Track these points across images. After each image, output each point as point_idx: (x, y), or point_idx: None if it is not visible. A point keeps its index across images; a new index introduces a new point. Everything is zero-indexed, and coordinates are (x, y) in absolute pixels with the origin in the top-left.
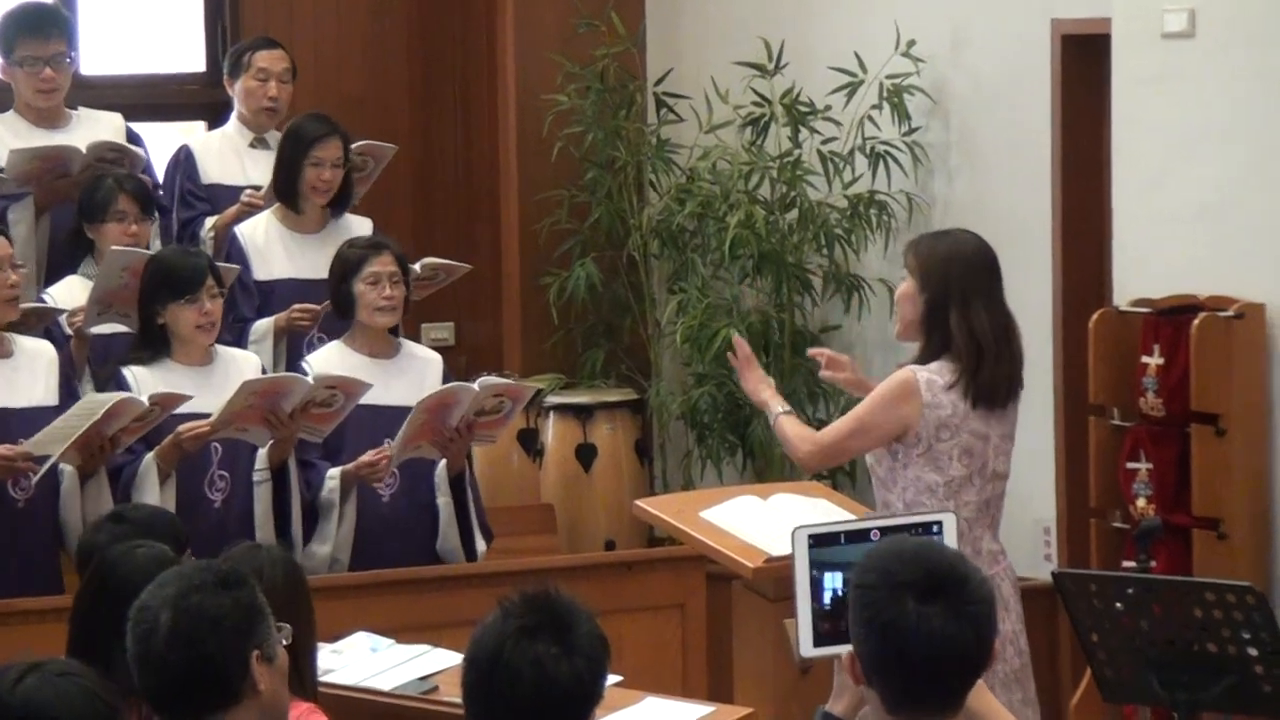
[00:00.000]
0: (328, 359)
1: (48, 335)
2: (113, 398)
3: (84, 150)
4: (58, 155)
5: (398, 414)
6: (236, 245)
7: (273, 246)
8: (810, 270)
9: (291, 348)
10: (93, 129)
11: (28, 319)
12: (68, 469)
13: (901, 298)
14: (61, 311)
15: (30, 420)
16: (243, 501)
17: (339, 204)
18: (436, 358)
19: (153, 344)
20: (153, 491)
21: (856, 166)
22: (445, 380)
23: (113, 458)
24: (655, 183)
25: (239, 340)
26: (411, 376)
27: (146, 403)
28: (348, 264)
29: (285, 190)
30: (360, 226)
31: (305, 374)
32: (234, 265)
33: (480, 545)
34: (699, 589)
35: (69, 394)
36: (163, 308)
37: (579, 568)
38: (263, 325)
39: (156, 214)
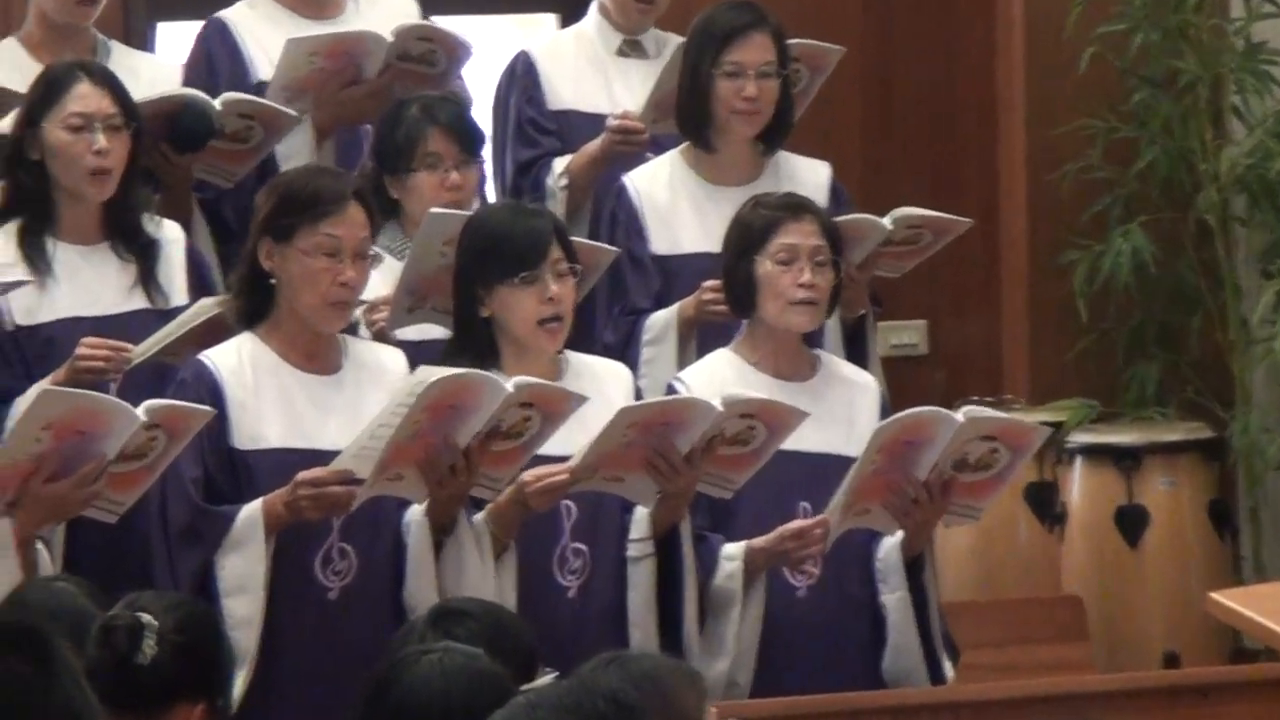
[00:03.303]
0: (713, 375)
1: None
2: (438, 380)
3: (387, 38)
4: (347, 47)
5: (823, 464)
6: (626, 202)
7: (678, 204)
8: None
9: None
10: (380, 19)
11: None
12: (415, 518)
13: None
14: (358, 304)
15: None
16: (608, 588)
17: (773, 136)
18: (871, 383)
19: (472, 346)
20: (486, 570)
21: None
22: (885, 415)
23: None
24: (1242, 109)
25: (627, 342)
26: (837, 408)
27: (510, 388)
28: (749, 232)
29: (690, 117)
30: (807, 173)
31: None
32: (605, 246)
33: (947, 664)
34: None
35: None
36: (487, 293)
37: (1123, 694)
38: (661, 319)
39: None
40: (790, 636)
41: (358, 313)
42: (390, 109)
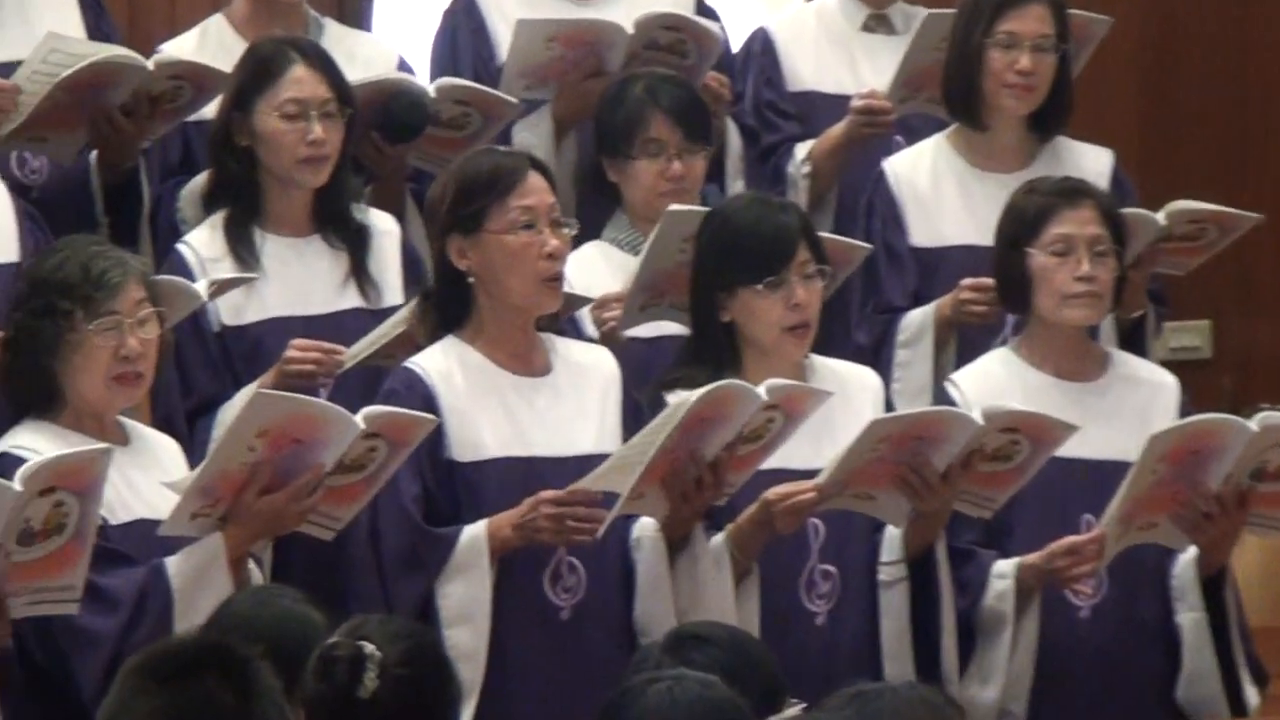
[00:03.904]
0: (987, 377)
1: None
2: (699, 397)
3: (630, 30)
4: (586, 35)
5: (1110, 472)
6: (884, 190)
7: (942, 192)
8: None
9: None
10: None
11: None
12: (646, 533)
13: None
14: (585, 301)
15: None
16: (859, 614)
17: (1049, 119)
18: (1170, 382)
19: (711, 353)
20: (726, 594)
21: None
22: (1183, 415)
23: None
24: None
25: (880, 343)
26: (1127, 410)
27: (765, 395)
28: (1021, 220)
29: (957, 91)
30: (1087, 161)
31: (956, 404)
32: (857, 243)
33: (1250, 692)
34: None
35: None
36: (728, 296)
37: None
38: (917, 318)
39: (711, 141)
40: (1071, 662)
41: (584, 311)
42: (614, 85)
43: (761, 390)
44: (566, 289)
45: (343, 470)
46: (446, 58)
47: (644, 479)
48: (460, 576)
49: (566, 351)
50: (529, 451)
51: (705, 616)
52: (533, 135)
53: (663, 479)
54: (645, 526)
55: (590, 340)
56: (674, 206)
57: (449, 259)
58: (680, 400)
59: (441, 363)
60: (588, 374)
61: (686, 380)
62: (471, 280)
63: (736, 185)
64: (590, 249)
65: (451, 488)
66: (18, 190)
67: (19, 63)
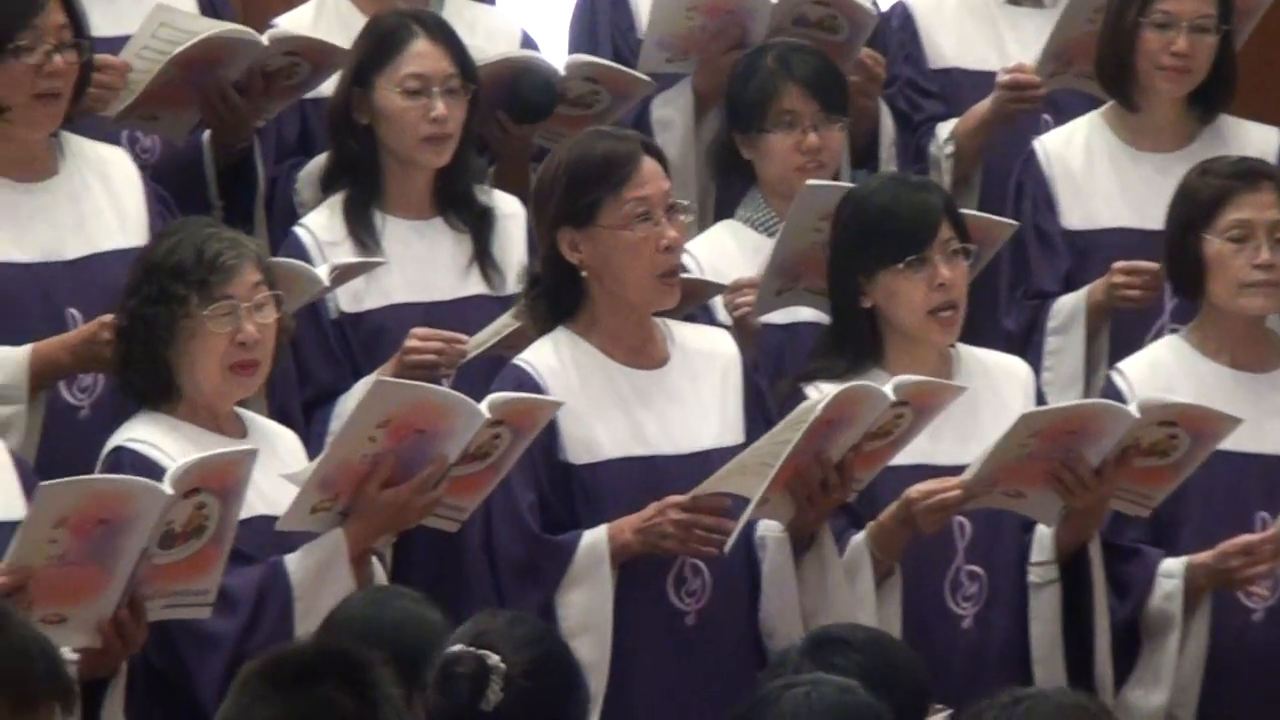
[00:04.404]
0: (1156, 366)
1: (688, 320)
2: (828, 402)
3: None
4: (727, 5)
5: None
6: (1034, 169)
7: (1096, 172)
8: None
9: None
10: None
11: None
12: (771, 533)
13: None
14: (718, 288)
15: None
16: (1007, 616)
17: (1211, 98)
18: None
19: (852, 342)
20: (866, 597)
21: None
22: None
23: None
24: None
25: (1030, 330)
26: None
27: (893, 395)
28: (1195, 204)
29: (1110, 70)
30: (1253, 140)
31: (1123, 395)
32: (1002, 219)
33: None
34: None
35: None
36: (868, 280)
37: None
38: (1069, 304)
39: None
40: (1243, 666)
41: (718, 299)
42: (744, 59)
43: (889, 390)
44: (696, 274)
45: (466, 459)
46: (585, 31)
47: (771, 485)
48: (580, 585)
49: (684, 338)
50: (648, 450)
51: (833, 618)
52: (672, 110)
53: (787, 483)
54: (770, 526)
55: (722, 325)
56: (811, 181)
57: (559, 251)
58: (807, 405)
59: (552, 359)
60: (706, 361)
61: (825, 371)
62: (584, 273)
63: (889, 168)
64: (721, 229)
65: (568, 492)
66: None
67: (127, 37)
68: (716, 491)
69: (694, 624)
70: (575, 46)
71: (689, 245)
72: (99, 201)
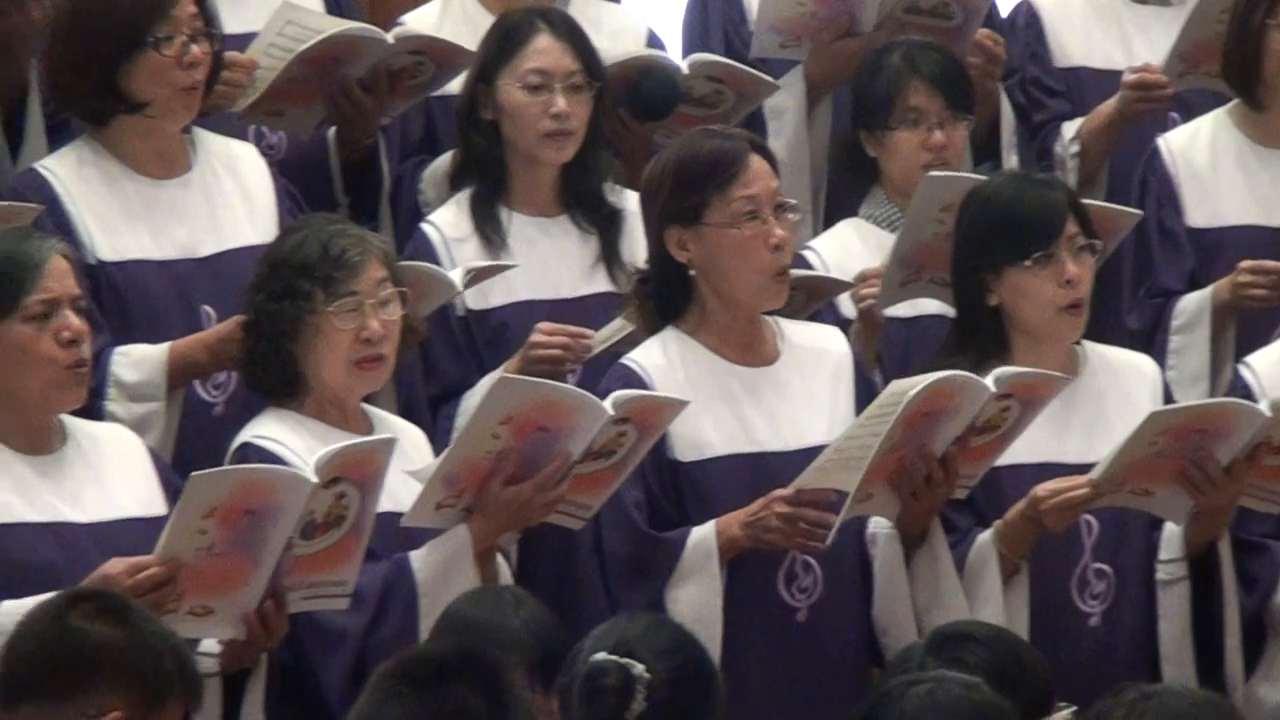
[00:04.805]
0: None
1: (814, 318)
2: (920, 389)
3: None
4: None
5: None
6: (1159, 167)
7: (1222, 170)
8: None
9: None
10: None
11: (793, 297)
12: (881, 529)
13: None
14: (842, 285)
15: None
16: (1136, 614)
17: None
18: None
19: (977, 340)
20: (992, 595)
21: None
22: None
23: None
24: None
25: (1153, 328)
26: None
27: (994, 386)
28: None
29: (1236, 70)
30: None
31: (1251, 389)
32: (1125, 209)
33: None
34: None
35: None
36: (994, 277)
37: None
38: (1193, 303)
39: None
40: None
41: (846, 295)
42: (870, 55)
43: (989, 381)
44: (821, 271)
45: (591, 457)
46: (697, 24)
47: (869, 479)
48: (689, 581)
49: (794, 335)
50: (756, 447)
51: (945, 615)
52: (785, 97)
53: (890, 477)
54: (880, 523)
55: (846, 321)
56: (933, 173)
57: (667, 249)
58: (896, 390)
59: (660, 358)
60: (817, 358)
61: (950, 369)
62: (692, 272)
63: (1011, 160)
64: (845, 227)
65: (677, 489)
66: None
67: (254, 35)
68: (820, 486)
69: (805, 620)
70: (688, 41)
71: (813, 243)
72: (231, 197)
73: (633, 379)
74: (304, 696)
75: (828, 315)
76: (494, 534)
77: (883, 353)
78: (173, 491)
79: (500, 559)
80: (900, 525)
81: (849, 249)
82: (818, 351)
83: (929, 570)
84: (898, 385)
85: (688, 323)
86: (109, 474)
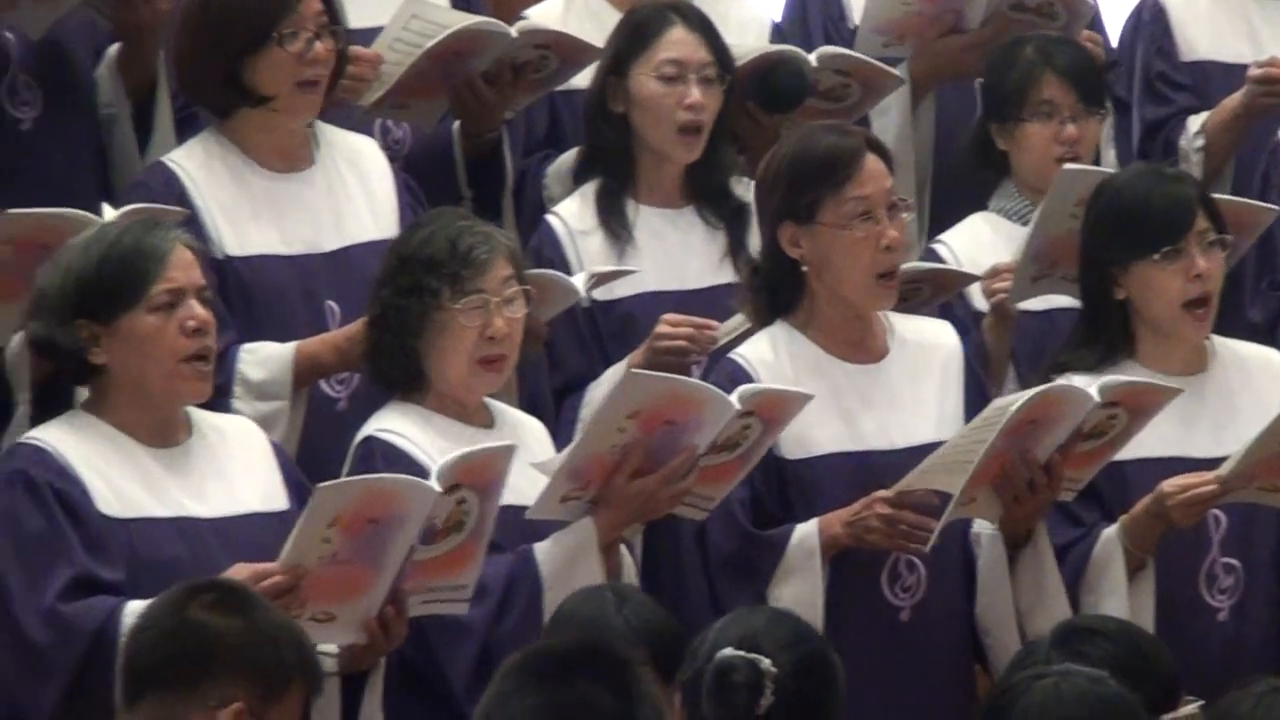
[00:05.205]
0: None
1: (943, 309)
2: (1024, 402)
3: None
4: None
5: None
6: None
7: None
8: None
9: None
10: None
11: (919, 290)
12: (985, 529)
13: None
14: (970, 278)
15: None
16: (1265, 609)
17: None
18: None
19: (1104, 334)
20: (1118, 590)
21: None
22: None
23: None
24: None
25: (1275, 321)
26: None
27: (1097, 396)
28: None
29: None
30: None
31: None
32: (1261, 205)
33: None
34: None
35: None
36: (1121, 272)
37: None
38: None
39: (1109, 106)
40: None
41: (976, 286)
42: (1002, 48)
43: (1094, 391)
44: (952, 264)
45: (715, 449)
46: (796, 21)
47: (973, 483)
48: (792, 578)
49: (904, 330)
50: (862, 445)
51: (1048, 616)
52: (889, 95)
53: (993, 482)
54: (984, 523)
55: (979, 314)
56: (1068, 165)
57: (779, 245)
58: (1003, 403)
59: (768, 353)
60: (927, 354)
61: (1077, 363)
62: (804, 269)
63: (1108, 155)
64: (977, 220)
65: (782, 487)
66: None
67: (378, 30)
68: (923, 488)
69: (909, 620)
70: (785, 39)
71: (944, 236)
72: (352, 192)
73: (739, 374)
74: (428, 689)
75: (959, 308)
76: (619, 527)
77: (1015, 347)
78: (294, 485)
79: (624, 551)
80: (1004, 527)
81: (980, 242)
82: (928, 347)
83: (1033, 571)
84: (1000, 401)
85: (798, 317)
86: (232, 468)
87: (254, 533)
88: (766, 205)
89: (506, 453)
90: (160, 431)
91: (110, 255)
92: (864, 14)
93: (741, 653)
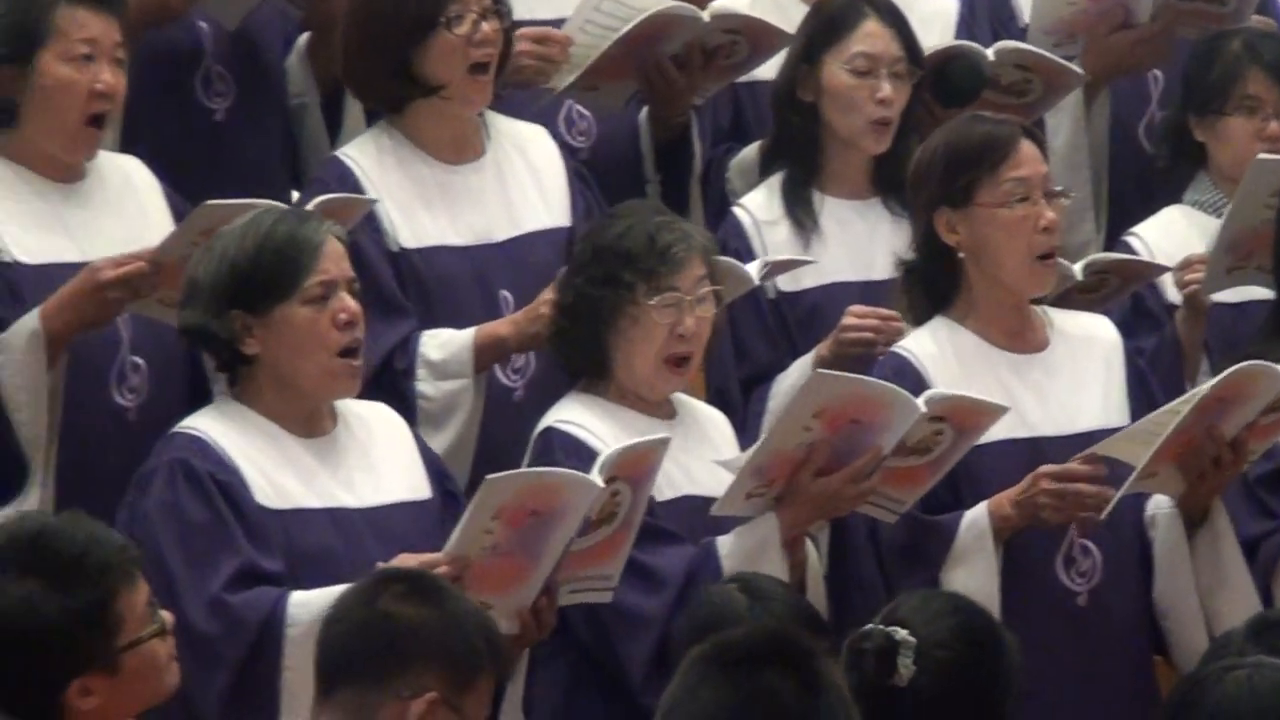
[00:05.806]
0: None
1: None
2: (1223, 378)
3: None
4: None
5: None
6: None
7: None
8: None
9: None
10: None
11: (1106, 281)
12: (1161, 510)
13: None
14: (1162, 268)
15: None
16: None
17: None
18: None
19: None
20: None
21: None
22: None
23: None
24: None
25: None
26: None
27: None
28: None
29: None
30: None
31: None
32: None
33: None
34: None
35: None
36: None
37: None
38: None
39: None
40: None
41: (1170, 278)
42: (1207, 40)
43: None
44: (1144, 255)
45: (905, 452)
46: (964, 19)
47: (1157, 457)
48: (964, 563)
49: (1063, 324)
50: (1031, 432)
51: (1230, 596)
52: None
53: (1178, 458)
54: (1160, 504)
55: (1171, 306)
56: (1262, 155)
57: (936, 233)
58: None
59: (931, 346)
60: (1088, 345)
61: (1270, 354)
62: (961, 256)
63: None
64: (1173, 212)
65: (951, 474)
66: (565, 151)
67: (562, 21)
68: (1096, 455)
69: (1085, 604)
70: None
71: (1137, 229)
72: (523, 180)
73: (906, 368)
74: (605, 679)
75: (1152, 300)
76: (802, 523)
77: (1208, 338)
78: (435, 473)
79: (810, 546)
80: (1182, 505)
81: (1173, 233)
82: (1089, 339)
83: (1211, 551)
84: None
85: (956, 310)
86: (377, 456)
87: (402, 522)
88: (922, 194)
89: (662, 445)
90: (308, 421)
91: (266, 246)
92: (1032, 14)
93: (879, 626)
